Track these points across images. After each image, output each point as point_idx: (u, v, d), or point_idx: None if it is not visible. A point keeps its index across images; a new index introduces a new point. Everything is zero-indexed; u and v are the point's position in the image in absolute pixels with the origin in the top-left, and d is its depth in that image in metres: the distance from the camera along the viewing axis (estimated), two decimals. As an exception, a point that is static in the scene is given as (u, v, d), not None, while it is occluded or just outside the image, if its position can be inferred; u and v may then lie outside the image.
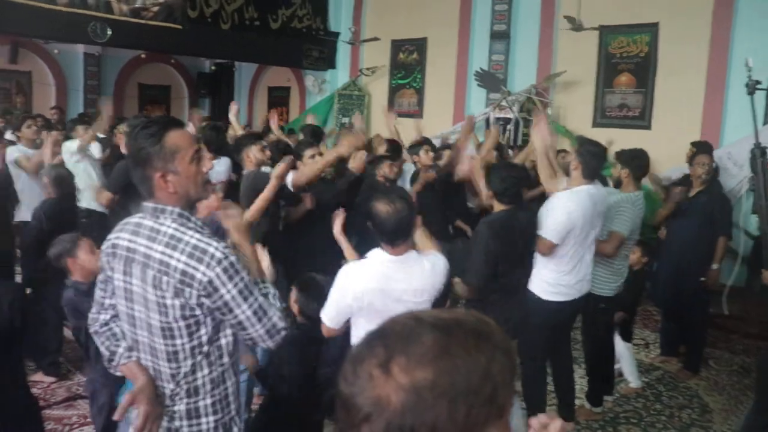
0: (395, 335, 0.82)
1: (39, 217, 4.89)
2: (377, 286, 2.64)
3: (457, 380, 0.76)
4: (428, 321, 0.83)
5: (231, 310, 1.95)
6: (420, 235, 3.00)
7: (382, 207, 2.63)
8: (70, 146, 6.51)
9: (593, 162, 4.00)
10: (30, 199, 6.04)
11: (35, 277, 4.80)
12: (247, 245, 2.20)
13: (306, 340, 3.05)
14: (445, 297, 2.96)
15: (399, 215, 2.61)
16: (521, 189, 3.84)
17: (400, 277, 2.66)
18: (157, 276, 1.93)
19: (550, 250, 3.87)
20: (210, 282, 1.89)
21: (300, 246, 4.86)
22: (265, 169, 4.71)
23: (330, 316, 2.76)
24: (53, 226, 4.68)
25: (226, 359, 2.07)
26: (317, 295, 3.01)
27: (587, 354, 4.73)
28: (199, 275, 1.89)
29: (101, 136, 8.34)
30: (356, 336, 2.78)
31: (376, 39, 11.57)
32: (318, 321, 2.87)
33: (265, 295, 2.08)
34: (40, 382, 4.70)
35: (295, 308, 3.22)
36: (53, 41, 12.40)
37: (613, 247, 4.27)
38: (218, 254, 1.91)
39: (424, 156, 6.05)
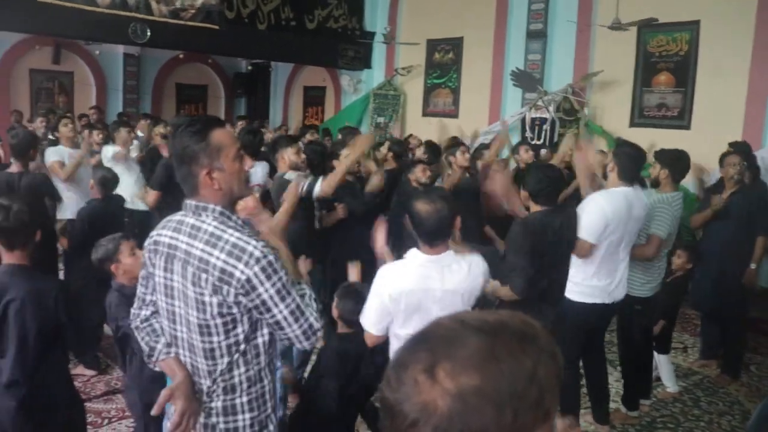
0: (439, 339, 0.81)
1: (83, 217, 4.99)
2: (415, 287, 2.62)
3: (503, 385, 0.75)
4: (473, 324, 0.81)
5: (269, 310, 1.96)
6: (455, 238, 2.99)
7: (422, 206, 2.62)
8: (109, 151, 6.66)
9: (629, 164, 3.93)
10: (71, 199, 6.17)
11: (78, 275, 4.91)
12: (283, 247, 2.22)
13: (345, 354, 3.07)
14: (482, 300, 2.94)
15: (439, 214, 2.60)
16: (557, 190, 3.77)
17: (438, 277, 2.65)
18: (196, 273, 1.95)
19: (589, 251, 3.82)
20: (248, 280, 1.91)
21: (337, 248, 4.87)
22: (289, 175, 4.64)
23: (371, 322, 2.74)
24: (98, 227, 4.79)
25: (262, 358, 2.09)
26: (357, 301, 3.02)
27: (622, 357, 4.66)
28: (237, 273, 1.90)
29: (140, 134, 8.51)
30: (396, 341, 2.76)
31: (415, 44, 11.57)
32: (359, 326, 2.88)
33: (302, 296, 2.08)
34: (81, 375, 4.80)
35: (335, 314, 3.24)
36: (94, 42, 12.61)
37: (652, 251, 4.20)
38: (257, 253, 1.93)
39: (461, 157, 6.02)
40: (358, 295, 3.08)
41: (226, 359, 2.02)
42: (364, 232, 4.82)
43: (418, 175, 5.53)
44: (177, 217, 2.09)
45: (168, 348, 2.14)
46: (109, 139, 7.20)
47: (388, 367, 0.83)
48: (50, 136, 8.10)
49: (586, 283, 3.93)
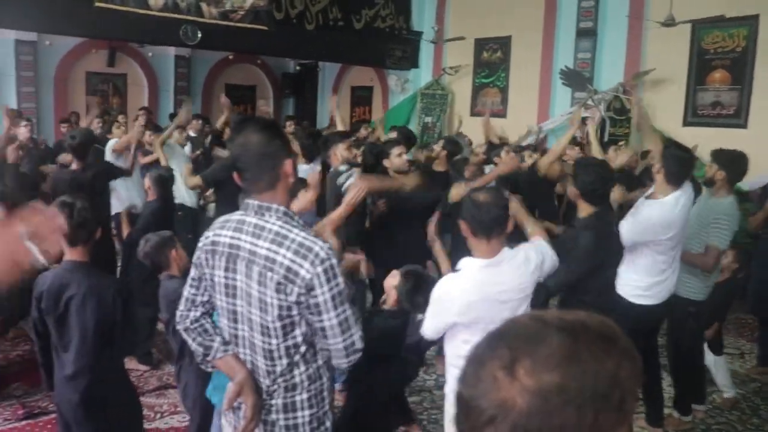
0: (519, 337, 0.80)
1: (146, 217, 5.09)
2: (479, 297, 2.61)
3: (585, 385, 0.75)
4: (553, 323, 0.81)
5: (320, 313, 1.97)
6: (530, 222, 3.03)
7: (481, 197, 2.63)
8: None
9: (677, 168, 3.80)
10: (119, 193, 6.34)
11: (136, 272, 5.04)
12: (336, 243, 2.24)
13: (389, 330, 3.07)
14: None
15: (498, 205, 2.61)
16: (609, 189, 3.68)
17: (498, 280, 2.64)
18: (262, 272, 1.96)
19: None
20: (311, 279, 1.93)
21: (388, 247, 4.87)
22: (342, 167, 4.70)
23: (433, 330, 2.75)
24: (152, 226, 4.89)
25: (320, 355, 2.11)
26: (420, 290, 3.04)
27: (673, 360, 4.56)
28: (303, 272, 1.92)
29: (192, 134, 8.67)
30: (453, 340, 2.76)
31: (461, 38, 11.50)
32: (409, 313, 2.92)
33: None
34: (135, 370, 4.91)
35: (392, 294, 3.21)
36: (147, 44, 12.89)
37: (712, 262, 4.09)
38: (322, 254, 1.95)
39: (506, 156, 5.96)
40: (422, 284, 3.09)
41: (285, 360, 2.04)
42: (411, 234, 4.84)
43: (471, 171, 5.55)
44: (236, 216, 2.10)
45: (225, 346, 2.15)
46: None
47: (465, 363, 0.83)
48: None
49: (643, 285, 3.86)
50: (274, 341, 2.01)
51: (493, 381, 0.77)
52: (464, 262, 2.71)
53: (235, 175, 2.09)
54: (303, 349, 2.05)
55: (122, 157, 6.54)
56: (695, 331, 4.40)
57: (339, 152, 4.76)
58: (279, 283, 1.94)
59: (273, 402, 2.08)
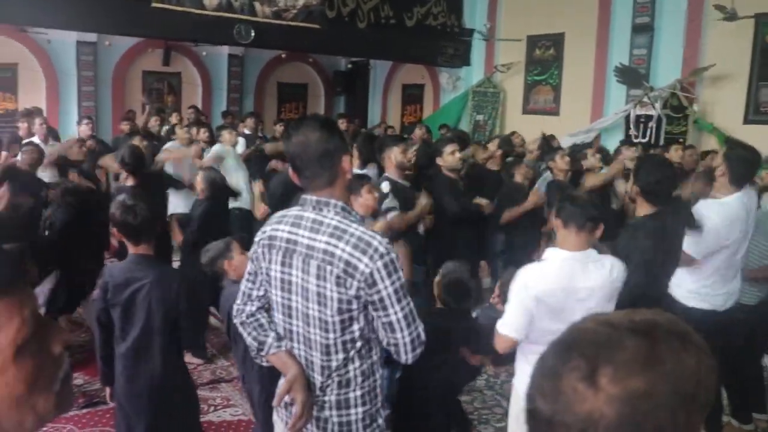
0: (591, 344, 0.77)
1: (197, 217, 5.18)
2: (559, 286, 2.62)
3: (672, 386, 0.73)
4: (623, 325, 0.78)
5: (384, 308, 1.98)
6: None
7: (577, 193, 2.79)
8: (214, 149, 6.98)
9: (742, 169, 3.66)
10: (177, 195, 6.48)
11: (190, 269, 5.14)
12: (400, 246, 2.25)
13: (438, 329, 3.07)
14: None
15: (594, 204, 2.70)
16: (672, 189, 3.53)
17: (581, 274, 2.65)
18: (321, 266, 1.97)
19: (690, 264, 3.62)
20: (371, 274, 1.93)
21: (444, 250, 4.86)
22: (384, 186, 4.46)
23: (513, 327, 2.71)
24: (209, 225, 5.01)
25: (375, 351, 2.11)
26: (464, 293, 3.11)
27: (726, 368, 4.39)
28: (362, 266, 1.93)
29: (247, 132, 8.80)
30: (525, 349, 2.76)
31: (517, 40, 11.40)
32: (454, 312, 2.95)
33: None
34: (189, 363, 4.99)
35: (437, 290, 3.27)
36: (201, 44, 13.12)
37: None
38: (381, 248, 1.96)
39: (560, 161, 5.86)
40: (464, 287, 3.15)
41: (341, 355, 2.04)
42: (464, 237, 4.81)
43: (525, 170, 5.48)
44: (294, 212, 2.11)
45: (279, 342, 2.16)
46: (214, 142, 7.50)
47: (537, 375, 0.80)
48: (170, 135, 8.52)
49: (701, 290, 3.73)
50: (331, 335, 2.01)
51: (574, 393, 0.75)
52: (550, 251, 2.75)
53: (291, 172, 2.11)
54: (359, 344, 2.05)
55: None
56: (748, 337, 4.20)
57: (394, 156, 4.62)
58: (338, 277, 1.95)
59: (326, 398, 2.08)
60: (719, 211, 3.61)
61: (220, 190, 5.40)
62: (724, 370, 4.23)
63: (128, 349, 2.89)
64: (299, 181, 2.09)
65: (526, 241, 5.36)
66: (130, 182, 5.34)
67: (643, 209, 3.43)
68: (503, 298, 3.18)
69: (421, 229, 4.70)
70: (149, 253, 2.93)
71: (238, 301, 2.25)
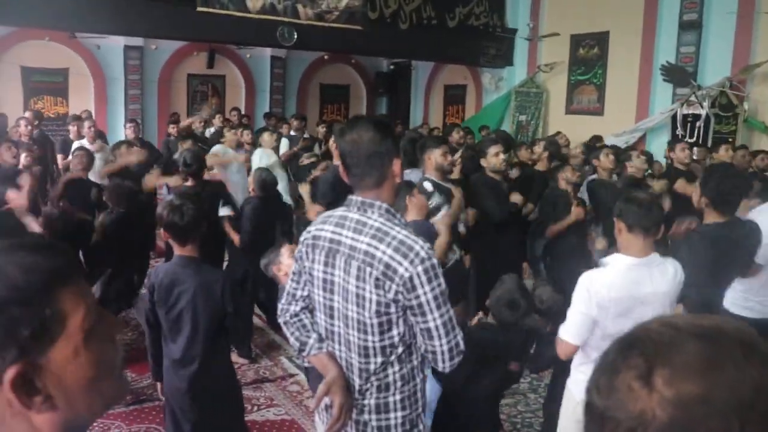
0: (652, 344, 0.76)
1: (248, 217, 5.26)
2: (625, 294, 2.59)
3: (729, 394, 0.71)
4: (687, 329, 0.77)
5: (423, 314, 1.96)
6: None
7: (640, 195, 2.68)
8: (260, 156, 7.05)
9: None
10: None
11: (240, 268, 5.22)
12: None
13: (483, 341, 3.06)
14: None
15: (659, 206, 2.67)
16: (740, 198, 3.39)
17: (647, 280, 2.61)
18: (361, 267, 1.96)
19: (756, 273, 3.51)
20: (411, 278, 1.91)
21: (487, 251, 4.83)
22: (427, 185, 4.41)
23: (573, 333, 2.70)
24: (261, 224, 5.10)
25: (415, 356, 2.09)
26: (513, 310, 3.11)
27: None
28: (401, 270, 1.91)
29: (292, 133, 8.90)
30: (584, 349, 2.74)
31: (555, 34, 11.29)
32: (504, 328, 2.93)
33: None
34: (234, 362, 5.06)
35: (489, 303, 3.30)
36: (245, 46, 13.29)
37: None
38: (423, 253, 1.93)
39: (605, 159, 5.77)
40: (517, 307, 3.15)
41: (380, 359, 2.03)
42: (507, 238, 4.75)
43: (568, 175, 5.40)
44: (339, 212, 2.11)
45: (320, 343, 2.16)
46: (257, 143, 7.61)
47: (596, 371, 0.80)
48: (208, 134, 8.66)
49: (749, 296, 3.62)
50: (370, 338, 2.01)
51: (628, 391, 0.74)
52: (613, 258, 2.70)
53: (341, 169, 2.11)
54: (400, 350, 2.03)
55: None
56: None
57: (434, 157, 4.54)
58: (377, 279, 1.94)
59: (366, 402, 2.07)
60: None
61: (270, 190, 5.46)
62: None
63: (175, 349, 2.94)
64: (348, 179, 2.09)
65: (568, 247, 5.30)
66: (189, 183, 5.45)
67: (711, 218, 3.33)
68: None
69: (461, 227, 4.66)
70: (194, 254, 2.97)
71: (283, 301, 2.26)
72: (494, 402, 3.52)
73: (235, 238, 5.27)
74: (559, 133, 9.35)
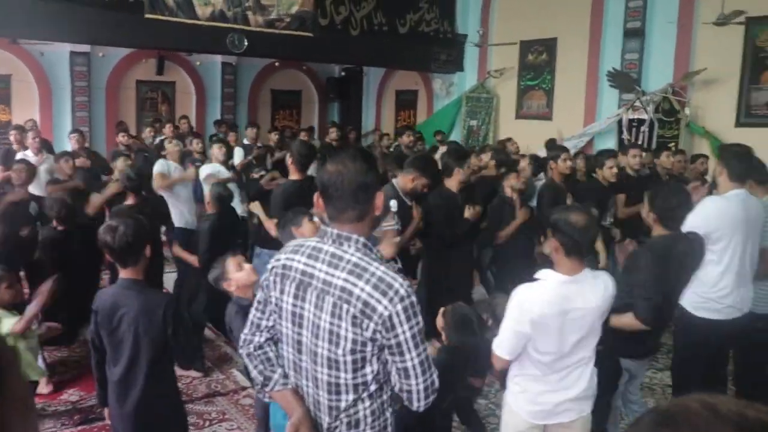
0: (688, 426, 0.74)
1: (205, 235, 5.18)
2: (557, 310, 2.61)
3: None
4: (730, 417, 0.73)
5: (402, 353, 1.91)
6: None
7: (577, 217, 2.63)
8: (205, 170, 6.98)
9: (737, 164, 3.75)
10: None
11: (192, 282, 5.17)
12: None
13: (445, 365, 3.09)
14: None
15: (593, 225, 2.67)
16: (686, 213, 3.54)
17: (578, 296, 2.64)
18: (337, 303, 1.90)
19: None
20: (390, 317, 1.86)
21: (434, 269, 4.85)
22: (393, 203, 4.41)
23: (507, 349, 2.74)
24: (219, 240, 5.05)
25: (385, 390, 2.04)
26: (466, 331, 3.17)
27: (738, 377, 4.39)
28: (380, 308, 1.86)
29: (246, 142, 8.81)
30: (520, 360, 2.79)
31: (511, 44, 11.45)
32: (460, 350, 3.00)
33: None
34: (188, 376, 5.02)
35: (441, 326, 3.32)
36: (195, 53, 13.13)
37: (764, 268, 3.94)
38: (402, 291, 1.88)
39: (562, 164, 5.82)
40: (468, 325, 3.22)
41: (351, 396, 1.97)
42: (458, 248, 4.80)
43: (513, 182, 5.46)
44: (311, 243, 2.04)
45: (285, 379, 2.10)
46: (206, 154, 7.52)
47: None
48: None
49: (707, 296, 3.73)
50: (342, 375, 1.95)
51: None
52: (545, 273, 2.70)
53: (318, 199, 2.04)
54: (372, 387, 1.98)
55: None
56: (764, 349, 4.15)
57: (404, 182, 4.73)
58: (355, 317, 1.88)
59: None
60: (716, 201, 3.73)
61: (226, 205, 5.41)
62: (746, 380, 4.16)
63: (117, 373, 2.90)
64: (325, 210, 2.03)
65: (513, 255, 5.37)
66: (129, 202, 5.37)
67: (657, 231, 3.51)
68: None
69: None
70: (137, 277, 2.92)
71: (246, 330, 2.18)
72: (448, 413, 3.56)
73: (190, 258, 5.21)
74: (510, 139, 9.48)
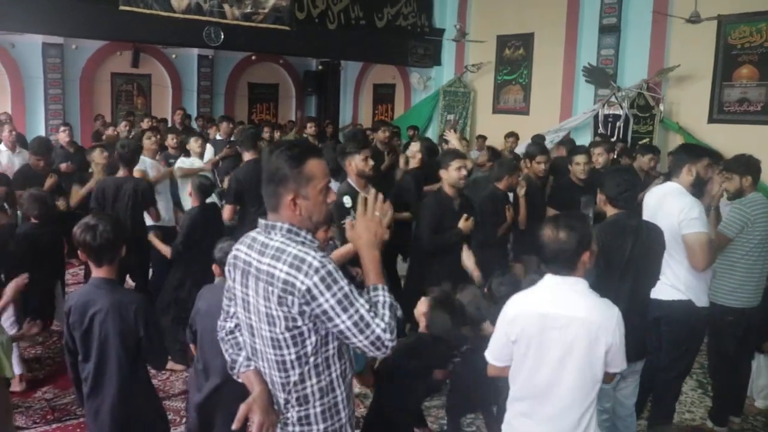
0: None
1: (187, 227, 5.13)
2: (535, 310, 2.47)
3: None
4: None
5: (331, 319, 1.97)
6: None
7: (546, 231, 2.48)
8: (181, 166, 6.93)
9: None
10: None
11: (175, 276, 5.18)
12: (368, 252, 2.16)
13: (414, 350, 3.08)
14: None
15: (559, 244, 2.44)
16: (635, 193, 3.61)
17: (563, 302, 2.46)
18: (265, 287, 2.01)
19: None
20: (308, 290, 1.94)
21: (430, 267, 4.80)
22: (346, 200, 4.34)
23: (493, 355, 2.66)
24: (198, 233, 5.02)
25: (333, 368, 2.12)
26: (449, 317, 3.12)
27: (713, 369, 4.48)
28: (298, 283, 1.94)
29: (219, 138, 8.65)
30: (516, 376, 2.61)
31: (482, 41, 11.49)
32: (440, 341, 2.97)
33: (375, 304, 2.03)
34: (170, 369, 5.03)
35: (421, 320, 3.23)
36: (171, 46, 13.02)
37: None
38: (315, 263, 1.95)
39: (537, 166, 5.77)
40: (451, 313, 3.17)
41: (297, 371, 2.07)
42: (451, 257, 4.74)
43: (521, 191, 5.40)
44: (252, 234, 2.17)
45: (248, 361, 2.21)
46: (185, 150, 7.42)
47: None
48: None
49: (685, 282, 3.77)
50: (285, 351, 2.04)
51: None
52: (547, 277, 2.55)
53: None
54: (312, 359, 2.06)
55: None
56: (737, 342, 4.22)
57: (355, 164, 4.47)
58: (279, 297, 1.97)
59: (289, 415, 2.12)
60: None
61: (209, 194, 5.39)
62: (719, 369, 4.24)
63: (89, 372, 2.87)
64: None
65: (490, 255, 5.11)
66: (122, 174, 5.63)
67: (610, 212, 3.57)
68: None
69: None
70: (110, 276, 2.90)
71: (221, 317, 2.32)
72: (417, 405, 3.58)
73: (163, 249, 5.16)
74: (481, 137, 9.49)
